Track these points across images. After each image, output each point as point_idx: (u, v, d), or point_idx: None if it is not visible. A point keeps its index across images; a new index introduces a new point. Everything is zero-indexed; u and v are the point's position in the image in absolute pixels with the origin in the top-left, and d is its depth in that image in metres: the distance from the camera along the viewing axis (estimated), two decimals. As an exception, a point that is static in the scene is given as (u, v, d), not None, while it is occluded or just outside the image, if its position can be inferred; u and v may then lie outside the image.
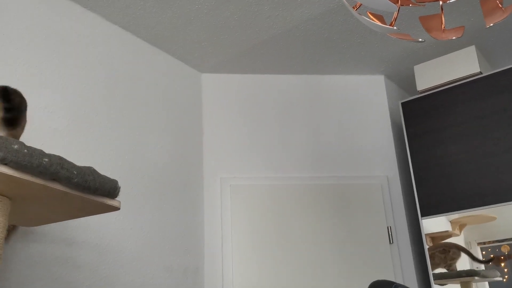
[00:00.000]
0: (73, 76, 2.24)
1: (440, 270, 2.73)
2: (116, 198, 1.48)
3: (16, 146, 1.13)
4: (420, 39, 1.46)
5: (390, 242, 2.94)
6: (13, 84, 1.88)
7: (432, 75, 3.05)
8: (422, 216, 2.80)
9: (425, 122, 2.94)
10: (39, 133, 1.95)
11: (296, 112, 3.28)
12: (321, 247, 2.92)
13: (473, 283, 2.63)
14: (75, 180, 1.28)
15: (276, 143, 3.20)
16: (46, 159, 1.19)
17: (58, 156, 1.25)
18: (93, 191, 1.36)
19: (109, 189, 1.42)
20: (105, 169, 1.47)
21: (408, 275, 2.88)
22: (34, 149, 1.18)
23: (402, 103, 3.06)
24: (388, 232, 2.97)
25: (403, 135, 3.12)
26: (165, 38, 2.77)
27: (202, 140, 3.19)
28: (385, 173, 3.13)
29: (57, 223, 1.65)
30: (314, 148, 3.19)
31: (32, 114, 1.96)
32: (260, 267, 2.90)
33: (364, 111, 3.29)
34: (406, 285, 2.71)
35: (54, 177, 1.23)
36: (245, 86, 3.33)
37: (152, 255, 2.48)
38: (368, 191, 3.07)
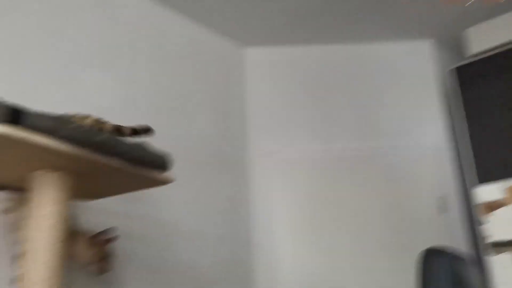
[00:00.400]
0: (121, 55, 2.31)
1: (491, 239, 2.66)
2: (168, 172, 1.54)
3: (74, 125, 1.20)
4: (469, 2, 1.40)
5: (441, 212, 2.89)
6: (63, 64, 1.96)
7: (486, 37, 2.91)
8: (475, 183, 2.73)
9: (480, 88, 2.83)
10: (90, 112, 2.04)
11: (340, 82, 3.24)
12: (370, 218, 2.92)
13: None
14: (130, 155, 1.34)
15: (321, 114, 3.18)
16: (102, 136, 1.26)
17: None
18: (146, 165, 1.42)
19: (162, 163, 1.48)
20: (155, 145, 1.53)
21: (459, 245, 2.83)
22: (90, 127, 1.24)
23: (454, 68, 2.95)
24: (439, 201, 2.91)
25: (452, 102, 3.01)
26: (208, 12, 2.79)
27: (246, 114, 3.21)
28: (435, 141, 3.05)
29: (114, 197, 1.74)
30: (360, 118, 3.15)
31: (83, 93, 2.05)
32: (309, 237, 2.93)
33: (410, 78, 3.20)
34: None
35: (110, 153, 1.29)
36: (287, 58, 3.31)
37: (205, 226, 2.57)
38: (418, 160, 3.01)
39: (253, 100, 3.25)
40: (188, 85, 2.73)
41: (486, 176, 2.71)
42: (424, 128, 3.09)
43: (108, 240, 1.62)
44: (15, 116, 1.09)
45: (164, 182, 1.53)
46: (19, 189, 1.47)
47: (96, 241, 1.57)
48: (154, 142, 1.63)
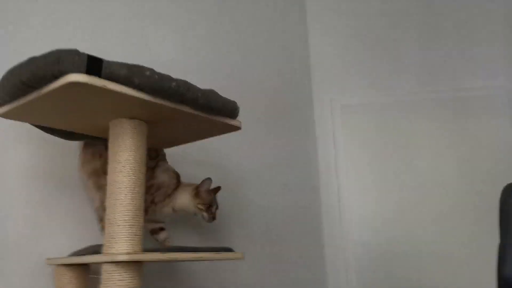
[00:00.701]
0: (180, 6, 2.32)
1: None
2: (236, 119, 1.56)
3: (148, 73, 1.23)
4: None
5: (518, 154, 2.75)
6: (124, 17, 2.00)
7: None
8: (556, 124, 2.56)
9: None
10: (155, 64, 2.09)
11: (407, 23, 3.08)
12: (441, 165, 2.84)
13: None
14: (200, 101, 1.36)
15: (387, 58, 3.07)
16: (174, 83, 1.29)
17: (184, 80, 1.34)
18: (216, 112, 1.45)
19: (231, 109, 1.50)
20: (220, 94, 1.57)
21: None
22: (163, 75, 1.27)
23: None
24: (516, 143, 2.77)
25: (533, 37, 2.79)
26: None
27: (310, 61, 3.16)
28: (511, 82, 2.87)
29: (184, 145, 1.79)
30: (427, 59, 3.01)
31: (144, 46, 2.09)
32: (377, 187, 2.91)
33: (482, 13, 2.98)
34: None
35: (182, 100, 1.32)
36: (352, 0, 3.18)
37: (270, 174, 2.61)
38: (492, 102, 2.85)
39: (316, 47, 3.18)
40: (249, 34, 2.71)
41: None
42: (499, 67, 2.90)
43: (216, 190, 1.71)
44: (94, 65, 1.14)
45: (233, 128, 1.56)
46: (99, 138, 1.56)
47: (203, 191, 1.67)
48: (222, 91, 1.65)
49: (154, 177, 1.64)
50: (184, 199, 1.68)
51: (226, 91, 1.80)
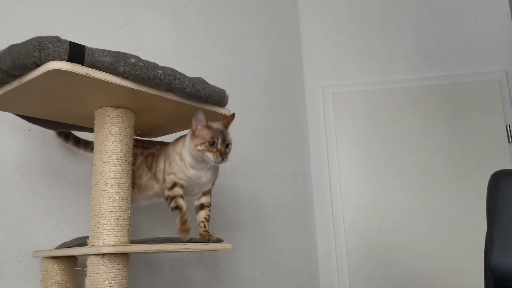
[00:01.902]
0: (172, -8, 2.27)
1: None
2: (225, 107, 1.53)
3: (133, 60, 1.20)
4: None
5: (509, 141, 2.75)
6: (120, 6, 1.96)
7: None
8: (547, 111, 2.56)
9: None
10: (147, 51, 2.05)
11: (399, 8, 3.05)
12: (433, 150, 2.83)
13: None
14: (188, 90, 1.33)
15: (379, 44, 3.04)
16: (160, 71, 1.25)
17: (171, 68, 1.31)
18: (204, 100, 1.42)
19: (219, 98, 1.47)
20: (210, 81, 1.52)
21: (529, 175, 2.71)
22: (149, 62, 1.24)
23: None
24: (507, 130, 2.77)
25: (526, 23, 2.78)
26: None
27: (301, 48, 3.13)
28: (504, 67, 2.86)
29: (172, 134, 1.76)
30: (420, 46, 2.98)
31: (139, 33, 2.05)
32: (367, 173, 2.90)
33: None
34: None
35: (169, 88, 1.29)
36: (343, -13, 3.15)
37: (262, 162, 2.59)
38: (484, 89, 2.84)
39: (307, 35, 3.14)
40: (241, 22, 2.67)
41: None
42: (492, 53, 2.89)
43: (227, 121, 1.47)
44: (77, 52, 1.10)
45: (222, 117, 1.53)
46: (85, 127, 1.53)
47: (198, 127, 1.41)
48: (212, 78, 1.62)
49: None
50: (185, 150, 1.42)
51: (217, 79, 1.78)
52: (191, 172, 1.44)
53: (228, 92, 1.54)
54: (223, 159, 1.38)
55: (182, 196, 1.45)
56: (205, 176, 1.47)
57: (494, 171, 2.62)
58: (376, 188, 2.87)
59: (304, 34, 3.14)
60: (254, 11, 2.79)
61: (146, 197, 1.53)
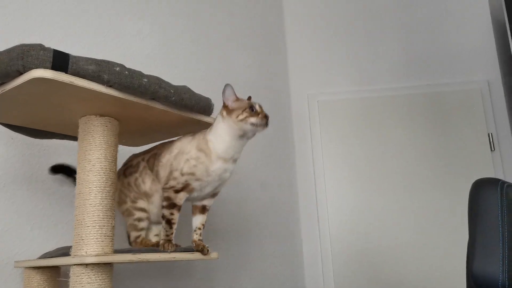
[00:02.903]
0: (159, 2, 2.27)
1: (548, 176, 2.56)
2: (211, 116, 1.53)
3: (117, 69, 1.19)
4: None
5: (491, 150, 2.79)
6: (105, 14, 1.96)
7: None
8: (528, 120, 2.61)
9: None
10: (133, 58, 2.04)
11: (383, 19, 3.09)
12: (417, 159, 2.86)
13: None
14: (173, 98, 1.33)
15: (364, 54, 3.07)
16: (145, 80, 1.25)
17: (156, 77, 1.30)
18: (189, 108, 1.42)
19: (204, 106, 1.47)
20: (196, 89, 1.52)
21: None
22: (134, 71, 1.24)
23: (506, -2, 2.75)
24: (490, 138, 2.81)
25: (506, 33, 2.83)
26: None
27: (287, 57, 3.15)
28: (486, 77, 2.91)
29: (158, 143, 1.76)
30: (405, 55, 3.02)
31: (125, 41, 2.04)
32: (352, 181, 2.92)
33: (460, 9, 3.02)
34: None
35: (154, 96, 1.29)
36: (328, -4, 3.18)
37: (248, 171, 2.59)
38: (467, 98, 2.89)
39: (293, 43, 3.17)
40: (227, 29, 2.68)
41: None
42: (474, 63, 2.94)
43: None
44: (61, 60, 1.09)
45: (208, 125, 1.53)
46: (69, 136, 1.52)
47: (231, 100, 1.43)
48: (198, 86, 1.62)
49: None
50: (213, 142, 1.38)
51: (203, 88, 1.78)
52: (218, 165, 1.40)
53: (214, 101, 1.54)
54: (267, 121, 1.39)
55: (180, 208, 1.43)
56: (230, 168, 1.44)
57: (478, 177, 2.65)
58: (361, 195, 2.89)
59: (289, 43, 3.17)
60: (240, 20, 2.80)
61: (157, 205, 1.46)
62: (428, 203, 2.79)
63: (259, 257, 2.55)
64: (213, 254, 1.47)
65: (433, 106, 2.91)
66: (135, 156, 1.55)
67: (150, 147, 1.69)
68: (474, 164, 2.78)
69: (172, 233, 1.40)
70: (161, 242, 1.39)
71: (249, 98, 1.46)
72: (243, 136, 1.41)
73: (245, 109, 1.37)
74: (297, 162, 3.04)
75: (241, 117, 1.36)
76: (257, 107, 1.39)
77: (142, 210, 1.47)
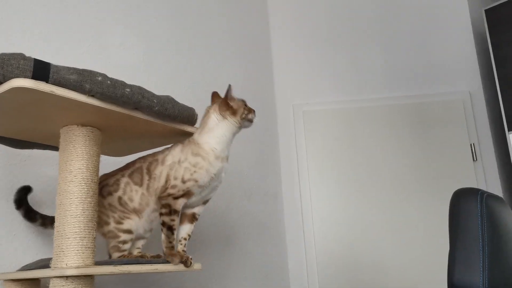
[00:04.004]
0: (143, 12, 2.27)
1: (529, 185, 2.60)
2: (195, 126, 1.53)
3: (99, 78, 1.19)
4: None
5: (473, 160, 2.83)
6: (88, 24, 1.95)
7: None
8: (509, 130, 2.65)
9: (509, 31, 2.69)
10: (117, 69, 2.04)
11: (368, 30, 3.13)
12: (400, 169, 2.88)
13: None
14: (156, 108, 1.33)
15: (349, 65, 3.10)
16: (128, 89, 1.24)
17: (138, 86, 1.30)
18: (172, 118, 1.41)
19: (188, 116, 1.47)
20: (180, 99, 1.52)
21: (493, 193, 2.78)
22: (116, 80, 1.23)
23: (486, 10, 2.81)
24: (472, 149, 2.85)
25: (487, 46, 2.88)
26: (228, -37, 2.70)
27: (272, 67, 3.16)
28: (467, 88, 2.95)
29: (143, 152, 1.74)
30: (388, 67, 3.06)
31: (109, 51, 2.03)
32: (337, 191, 2.93)
33: (442, 21, 3.07)
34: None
35: (137, 106, 1.28)
36: (313, 8, 3.21)
37: (233, 180, 2.58)
38: (449, 108, 2.93)
39: (278, 54, 3.18)
40: (212, 39, 2.68)
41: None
42: (456, 74, 2.99)
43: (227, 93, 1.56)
44: (42, 70, 1.08)
45: (190, 135, 1.52)
46: (50, 146, 1.50)
47: (234, 100, 1.56)
48: (182, 96, 1.62)
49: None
50: (209, 143, 1.43)
51: (187, 98, 1.78)
52: (217, 165, 1.45)
53: (198, 111, 1.54)
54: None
55: (179, 214, 1.43)
56: (226, 167, 1.49)
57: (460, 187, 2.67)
58: (347, 205, 2.90)
59: (275, 53, 3.18)
60: (225, 30, 2.81)
61: (146, 219, 1.44)
62: (411, 212, 2.81)
63: (244, 266, 2.53)
64: (197, 266, 1.45)
65: (416, 117, 2.94)
66: (107, 175, 1.48)
67: (129, 157, 1.68)
68: (456, 174, 2.81)
69: (174, 239, 1.40)
70: (166, 251, 1.37)
71: (230, 86, 1.55)
72: (238, 132, 1.53)
73: (244, 107, 1.51)
74: (282, 171, 3.04)
75: (243, 115, 1.51)
76: (247, 103, 1.55)
77: (128, 231, 1.41)
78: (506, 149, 2.75)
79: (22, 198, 1.47)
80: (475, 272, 0.96)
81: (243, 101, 1.54)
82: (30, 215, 1.48)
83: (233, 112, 1.50)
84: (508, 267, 1.08)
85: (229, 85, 1.52)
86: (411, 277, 2.71)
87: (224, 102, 1.50)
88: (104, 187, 1.44)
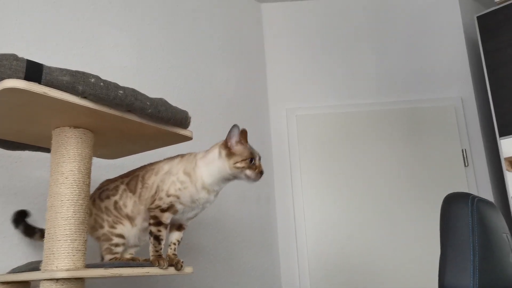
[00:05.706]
0: (137, 15, 2.27)
1: (520, 191, 2.62)
2: (187, 129, 1.52)
3: (92, 80, 1.18)
4: None
5: (465, 165, 2.85)
6: (82, 26, 1.94)
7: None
8: (500, 136, 2.67)
9: (504, 36, 2.72)
10: (111, 71, 2.03)
11: (361, 35, 3.15)
12: (393, 174, 2.89)
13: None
14: (149, 110, 1.32)
15: (342, 70, 3.11)
16: (121, 91, 1.24)
17: (132, 89, 1.30)
18: (165, 121, 1.41)
19: (181, 119, 1.46)
20: (173, 102, 1.52)
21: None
22: (109, 82, 1.23)
23: (478, 17, 2.84)
24: (463, 154, 2.86)
25: (479, 52, 2.91)
26: (222, -33, 2.71)
27: (266, 72, 3.17)
28: (459, 94, 2.98)
29: (136, 155, 1.74)
30: (381, 72, 3.08)
31: (103, 53, 2.03)
32: (330, 196, 2.93)
33: (434, 27, 3.09)
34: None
35: (130, 108, 1.28)
36: (306, 13, 3.23)
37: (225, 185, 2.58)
38: (441, 114, 2.94)
39: (271, 58, 3.19)
40: (206, 43, 2.69)
41: (508, 129, 2.64)
42: (448, 80, 3.01)
43: (243, 135, 1.47)
44: (34, 71, 1.08)
45: (184, 138, 1.52)
46: (42, 148, 1.49)
47: (236, 143, 1.43)
48: (175, 99, 1.62)
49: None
50: (202, 171, 1.36)
51: (181, 101, 1.78)
52: (201, 195, 1.41)
53: (191, 114, 1.54)
54: (261, 176, 1.39)
55: (167, 227, 1.41)
56: (212, 200, 1.45)
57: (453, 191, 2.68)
58: (339, 210, 2.90)
59: (268, 58, 3.19)
60: (219, 34, 2.81)
61: (140, 228, 1.45)
62: (403, 217, 2.82)
63: (236, 271, 2.53)
64: (187, 269, 1.45)
65: (408, 122, 2.96)
66: (110, 181, 1.52)
67: (122, 160, 1.68)
68: (448, 179, 2.83)
69: (161, 249, 1.39)
70: (152, 258, 1.37)
71: (245, 132, 1.45)
72: (232, 179, 1.44)
73: (245, 159, 1.38)
74: (275, 176, 3.04)
75: (238, 165, 1.38)
76: (256, 160, 1.40)
77: (120, 236, 1.43)
78: (497, 155, 2.77)
79: (19, 219, 1.49)
80: (466, 276, 0.96)
81: (252, 153, 1.40)
82: (29, 231, 1.50)
83: (229, 155, 1.39)
84: (498, 271, 1.08)
85: (233, 126, 1.41)
86: (403, 281, 2.71)
87: (225, 142, 1.44)
88: (104, 191, 1.47)
